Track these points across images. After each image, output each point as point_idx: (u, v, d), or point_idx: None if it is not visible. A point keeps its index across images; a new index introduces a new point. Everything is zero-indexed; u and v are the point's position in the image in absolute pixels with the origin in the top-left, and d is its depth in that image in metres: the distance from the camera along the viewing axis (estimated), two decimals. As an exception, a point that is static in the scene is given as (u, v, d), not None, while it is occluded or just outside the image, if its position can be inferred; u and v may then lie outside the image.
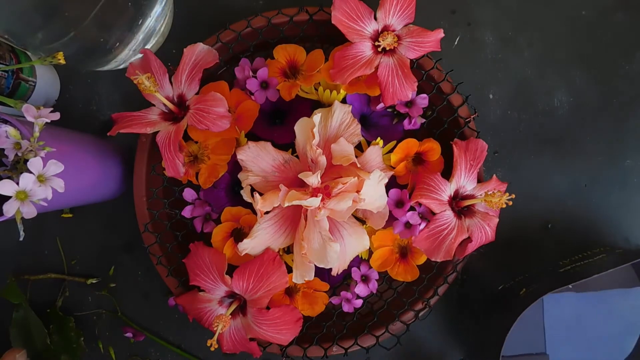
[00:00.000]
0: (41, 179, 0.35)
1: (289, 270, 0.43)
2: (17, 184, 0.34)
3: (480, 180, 0.46)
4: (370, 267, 0.46)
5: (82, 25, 0.40)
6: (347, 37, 0.43)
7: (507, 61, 0.55)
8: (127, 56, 0.48)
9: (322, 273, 0.44)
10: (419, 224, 0.44)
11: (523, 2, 0.55)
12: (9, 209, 0.34)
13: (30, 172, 0.35)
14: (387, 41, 0.42)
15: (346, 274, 0.47)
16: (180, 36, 0.53)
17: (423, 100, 0.46)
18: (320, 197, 0.39)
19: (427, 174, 0.44)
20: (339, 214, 0.40)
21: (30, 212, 0.35)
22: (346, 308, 0.47)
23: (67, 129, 0.46)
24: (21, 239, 0.37)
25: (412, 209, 0.44)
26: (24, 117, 0.37)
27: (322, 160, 0.40)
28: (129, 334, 0.53)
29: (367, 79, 0.44)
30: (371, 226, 0.44)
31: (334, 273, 0.43)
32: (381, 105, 0.45)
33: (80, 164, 0.44)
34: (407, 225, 0.44)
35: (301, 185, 0.41)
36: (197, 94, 0.42)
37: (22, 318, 0.51)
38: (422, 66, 0.47)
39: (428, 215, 0.45)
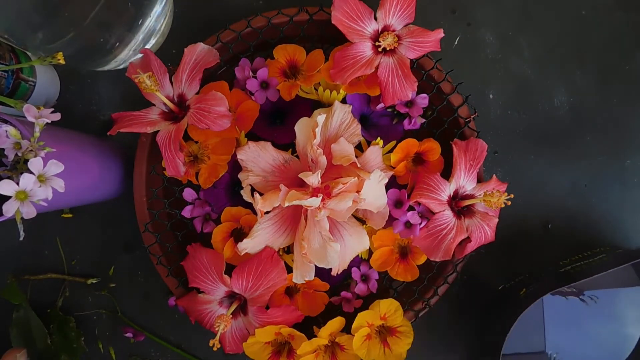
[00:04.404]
0: (41, 179, 0.35)
1: (289, 270, 0.43)
2: (17, 184, 0.34)
3: (480, 180, 0.46)
4: (370, 267, 0.46)
5: (82, 25, 0.40)
6: (347, 37, 0.43)
7: (507, 61, 0.55)
8: (127, 56, 0.48)
9: (322, 273, 0.44)
10: (419, 224, 0.44)
11: (523, 2, 0.55)
12: (9, 209, 0.34)
13: (31, 172, 0.35)
14: (387, 41, 0.42)
15: (346, 274, 0.47)
16: (180, 36, 0.53)
17: (423, 100, 0.46)
18: (321, 197, 0.39)
19: (427, 173, 0.44)
20: (339, 214, 0.40)
21: (30, 212, 0.35)
22: (346, 308, 0.47)
23: (67, 129, 0.46)
24: (21, 239, 0.37)
25: (411, 208, 0.44)
26: (23, 117, 0.37)
27: (323, 160, 0.40)
28: (129, 334, 0.53)
29: (367, 79, 0.44)
30: (371, 226, 0.44)
31: (334, 273, 0.43)
32: (381, 105, 0.45)
33: (80, 164, 0.44)
34: (407, 225, 0.44)
35: (301, 185, 0.41)
36: (197, 93, 0.42)
37: (22, 318, 0.51)
38: (422, 66, 0.47)
39: (427, 214, 0.45)
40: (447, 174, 0.45)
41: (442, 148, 0.46)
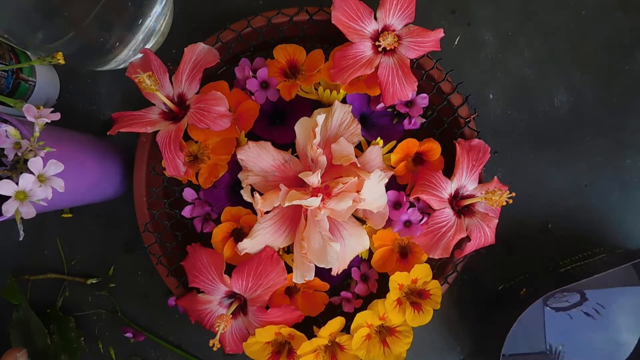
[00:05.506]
0: (41, 179, 0.35)
1: (289, 270, 0.43)
2: (17, 184, 0.34)
3: (480, 181, 0.46)
4: (371, 267, 0.46)
5: (82, 25, 0.40)
6: (347, 37, 0.43)
7: (507, 61, 0.55)
8: (127, 56, 0.48)
9: (322, 273, 0.44)
10: (420, 220, 0.44)
11: (523, 2, 0.55)
12: (8, 209, 0.34)
13: (31, 172, 0.35)
14: (387, 41, 0.42)
15: (346, 274, 0.47)
16: (180, 36, 0.53)
17: (423, 100, 0.46)
18: (321, 197, 0.39)
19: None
20: (339, 213, 0.40)
21: (29, 212, 0.35)
22: (346, 308, 0.47)
23: (67, 129, 0.46)
24: (21, 238, 0.37)
25: (412, 205, 0.44)
26: (23, 116, 0.37)
27: (323, 160, 0.40)
28: (129, 334, 0.53)
29: (367, 78, 0.44)
30: (371, 226, 0.44)
31: (334, 273, 0.43)
32: (381, 105, 0.45)
33: (80, 164, 0.44)
34: (407, 224, 0.44)
35: (301, 185, 0.41)
36: (197, 93, 0.42)
37: (22, 318, 0.51)
38: (422, 66, 0.47)
39: (428, 210, 0.45)
40: (447, 174, 0.45)
41: (442, 148, 0.46)
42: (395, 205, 0.44)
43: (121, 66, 0.49)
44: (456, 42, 0.54)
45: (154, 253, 0.47)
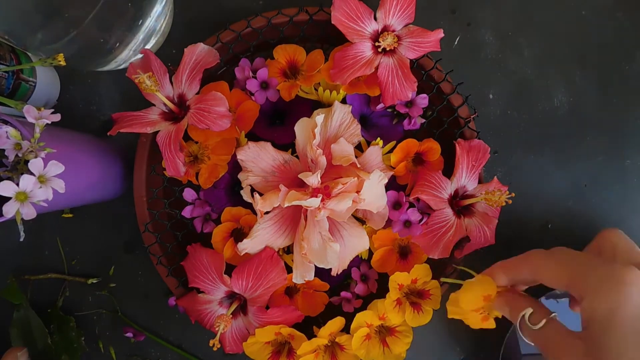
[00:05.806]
0: (42, 180, 0.35)
1: (289, 270, 0.43)
2: (17, 185, 0.34)
3: (480, 181, 0.46)
4: (370, 267, 0.46)
5: (82, 25, 0.40)
6: (347, 37, 0.43)
7: (507, 61, 0.55)
8: (127, 56, 0.48)
9: (322, 273, 0.44)
10: (419, 220, 0.44)
11: (523, 2, 0.55)
12: (9, 210, 0.34)
13: (31, 173, 0.35)
14: (387, 41, 0.42)
15: (346, 274, 0.47)
16: (180, 36, 0.53)
17: (423, 100, 0.46)
18: (320, 197, 0.39)
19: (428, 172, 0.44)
20: (339, 214, 0.40)
21: (29, 213, 0.35)
22: (346, 308, 0.47)
23: (67, 129, 0.46)
24: (21, 239, 0.37)
25: (412, 205, 0.44)
26: (24, 117, 0.37)
27: (322, 160, 0.40)
28: (129, 334, 0.53)
29: (367, 79, 0.44)
30: (371, 226, 0.44)
31: (333, 273, 0.43)
32: (381, 105, 0.45)
33: (81, 165, 0.44)
34: (407, 224, 0.44)
35: (301, 185, 0.41)
36: (197, 93, 0.42)
37: (22, 318, 0.51)
38: (422, 66, 0.47)
39: (427, 210, 0.45)
40: (447, 174, 0.45)
41: (442, 148, 0.46)
42: (395, 205, 0.44)
43: (121, 66, 0.49)
44: (456, 42, 0.54)
45: (154, 253, 0.47)
